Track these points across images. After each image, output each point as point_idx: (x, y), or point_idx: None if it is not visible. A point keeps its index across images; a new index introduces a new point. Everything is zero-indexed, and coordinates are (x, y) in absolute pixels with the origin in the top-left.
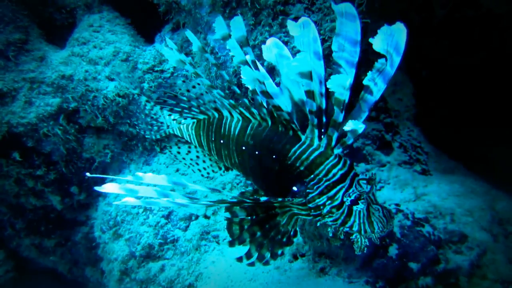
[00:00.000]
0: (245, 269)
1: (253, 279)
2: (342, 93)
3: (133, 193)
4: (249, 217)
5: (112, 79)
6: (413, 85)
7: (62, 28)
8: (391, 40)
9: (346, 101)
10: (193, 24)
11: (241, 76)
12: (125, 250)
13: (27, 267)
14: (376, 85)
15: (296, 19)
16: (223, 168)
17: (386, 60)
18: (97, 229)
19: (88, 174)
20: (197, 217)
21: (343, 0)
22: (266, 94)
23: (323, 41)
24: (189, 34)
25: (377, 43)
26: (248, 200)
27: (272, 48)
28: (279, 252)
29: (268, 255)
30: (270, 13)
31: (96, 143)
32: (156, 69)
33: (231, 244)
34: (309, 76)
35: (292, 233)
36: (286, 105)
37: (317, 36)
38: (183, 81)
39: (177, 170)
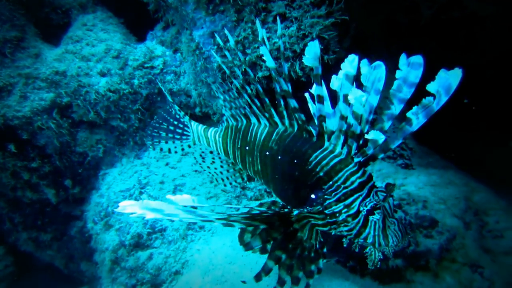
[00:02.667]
0: (225, 254)
1: (232, 262)
2: (359, 108)
3: (156, 211)
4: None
5: (103, 75)
6: None
7: (57, 27)
8: (445, 81)
9: (364, 115)
10: (180, 21)
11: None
12: (116, 239)
13: (26, 263)
14: (417, 118)
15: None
16: (245, 179)
17: (434, 98)
18: (90, 221)
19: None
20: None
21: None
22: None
23: (304, 36)
24: (226, 32)
25: (432, 85)
26: (269, 211)
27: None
28: (313, 268)
29: (301, 274)
30: (252, 10)
31: (89, 137)
32: (146, 65)
33: (258, 278)
34: (351, 79)
35: (318, 245)
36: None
37: (383, 76)
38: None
39: (167, 164)
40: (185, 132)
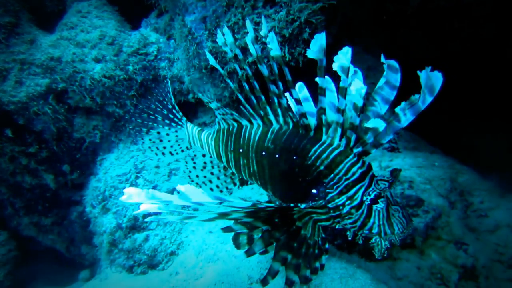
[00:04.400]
0: (218, 234)
1: (225, 241)
2: (359, 100)
3: (163, 204)
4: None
5: (98, 61)
6: None
7: (52, 14)
8: (428, 82)
9: (361, 105)
10: (172, 7)
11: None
12: (113, 222)
13: (29, 248)
14: (405, 115)
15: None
16: (238, 184)
17: (419, 96)
18: (88, 205)
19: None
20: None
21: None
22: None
23: (292, 20)
24: (247, 23)
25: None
26: (270, 205)
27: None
28: (318, 265)
29: (308, 273)
30: None
31: (86, 123)
32: (140, 52)
33: (265, 283)
34: (346, 72)
35: (320, 242)
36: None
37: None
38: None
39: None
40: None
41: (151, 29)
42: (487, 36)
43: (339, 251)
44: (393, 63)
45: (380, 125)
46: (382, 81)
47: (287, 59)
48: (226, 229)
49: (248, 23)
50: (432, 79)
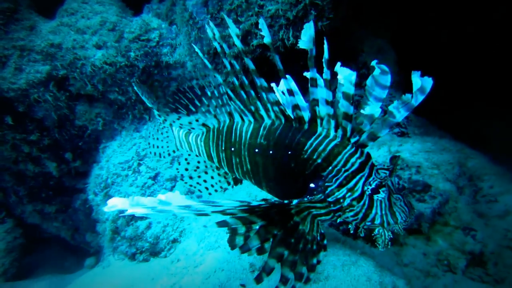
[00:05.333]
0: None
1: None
2: (350, 88)
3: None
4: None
5: (99, 47)
6: (396, 53)
7: (52, 1)
8: (419, 84)
9: (352, 93)
10: None
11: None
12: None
13: (35, 235)
14: (399, 112)
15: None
16: (232, 183)
17: (412, 96)
18: (91, 192)
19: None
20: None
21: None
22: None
23: (297, 2)
24: (227, 19)
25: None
26: (263, 204)
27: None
28: (315, 261)
29: (304, 269)
30: None
31: (88, 111)
32: (142, 38)
33: (258, 280)
34: (327, 63)
35: (319, 237)
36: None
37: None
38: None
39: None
40: None
41: (153, 15)
42: (499, 18)
43: (344, 236)
44: (384, 66)
45: (376, 111)
46: (372, 82)
47: (290, 42)
48: (221, 224)
49: (227, 19)
50: (423, 82)
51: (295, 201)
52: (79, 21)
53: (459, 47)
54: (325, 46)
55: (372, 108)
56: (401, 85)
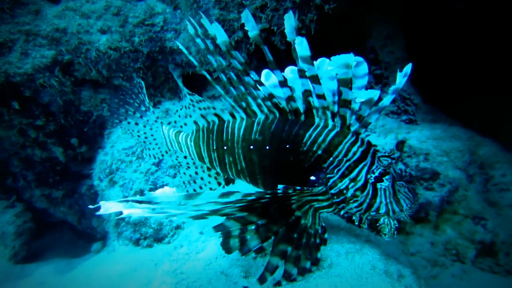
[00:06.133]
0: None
1: None
2: (347, 72)
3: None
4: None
5: (104, 32)
6: (405, 39)
7: None
8: (402, 72)
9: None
10: None
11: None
12: (119, 195)
13: (43, 220)
14: (386, 96)
15: None
16: (223, 183)
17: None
18: (96, 178)
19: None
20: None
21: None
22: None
23: None
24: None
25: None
26: (266, 196)
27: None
28: (319, 256)
29: (308, 264)
30: None
31: (93, 96)
32: (146, 22)
33: (262, 280)
34: (309, 61)
35: (320, 231)
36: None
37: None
38: None
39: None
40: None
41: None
42: None
43: (349, 223)
44: (358, 58)
45: (374, 93)
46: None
47: (297, 26)
48: (218, 227)
49: (203, 16)
50: (404, 69)
51: (297, 188)
52: (84, 6)
53: (472, 32)
54: (306, 45)
55: (368, 93)
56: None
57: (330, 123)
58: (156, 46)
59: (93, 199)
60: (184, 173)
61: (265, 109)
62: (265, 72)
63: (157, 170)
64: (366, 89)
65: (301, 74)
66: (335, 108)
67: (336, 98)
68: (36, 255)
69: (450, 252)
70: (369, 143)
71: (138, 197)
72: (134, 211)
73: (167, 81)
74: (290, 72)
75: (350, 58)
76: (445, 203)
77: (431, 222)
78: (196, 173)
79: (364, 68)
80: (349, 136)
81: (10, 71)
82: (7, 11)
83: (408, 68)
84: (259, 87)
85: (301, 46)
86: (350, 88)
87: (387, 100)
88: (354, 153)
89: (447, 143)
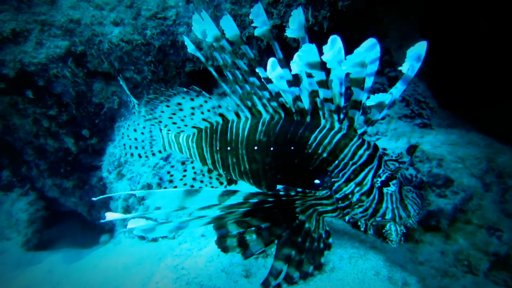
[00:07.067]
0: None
1: None
2: (361, 71)
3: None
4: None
5: (117, 24)
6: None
7: None
8: (413, 52)
9: (336, 89)
10: None
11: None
12: (127, 188)
13: (54, 209)
14: (396, 88)
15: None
16: (225, 183)
17: (407, 68)
18: (105, 170)
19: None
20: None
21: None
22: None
23: None
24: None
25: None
26: (269, 199)
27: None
28: (323, 261)
29: (311, 268)
30: None
31: (105, 88)
32: (159, 16)
33: (266, 285)
34: (318, 67)
35: (324, 235)
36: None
37: (341, 47)
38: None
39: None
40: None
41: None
42: None
43: (354, 228)
44: (373, 40)
45: (386, 97)
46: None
47: (310, 23)
48: (218, 228)
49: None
50: (417, 49)
51: (299, 191)
52: None
53: (497, 34)
54: (315, 51)
55: (379, 96)
56: (427, 74)
57: (337, 125)
58: (168, 40)
59: (103, 191)
60: (184, 175)
61: (270, 109)
62: (271, 61)
63: (165, 164)
64: (379, 92)
65: (309, 74)
66: (342, 102)
67: (343, 89)
68: (47, 243)
69: (462, 263)
70: (375, 146)
71: (140, 213)
72: (139, 223)
73: (178, 76)
74: (296, 57)
75: (366, 56)
76: (458, 211)
77: (442, 230)
78: (195, 173)
79: (376, 51)
80: (355, 139)
81: (25, 60)
82: (25, 1)
83: (421, 47)
84: (267, 85)
85: (310, 53)
86: (362, 88)
87: (396, 92)
88: (361, 156)
89: (463, 149)
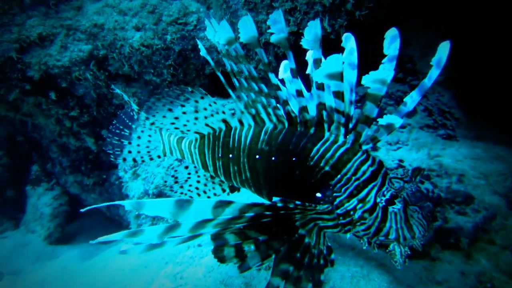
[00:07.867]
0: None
1: None
2: (380, 89)
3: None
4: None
5: (138, 29)
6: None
7: None
8: (435, 58)
9: (347, 96)
10: None
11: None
12: (141, 188)
13: (76, 204)
14: (411, 97)
15: None
16: (227, 190)
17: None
18: (121, 170)
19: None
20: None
21: None
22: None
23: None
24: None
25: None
26: (266, 213)
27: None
28: (322, 278)
29: (309, 286)
30: None
31: (125, 90)
32: (179, 21)
33: None
34: (339, 77)
35: (326, 251)
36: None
37: (354, 48)
38: None
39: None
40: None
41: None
42: None
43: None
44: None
45: (397, 121)
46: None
47: (327, 31)
48: (216, 239)
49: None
50: (438, 53)
51: (298, 204)
52: (122, 3)
53: None
54: (340, 62)
55: (391, 118)
56: (454, 83)
57: (341, 138)
58: (188, 44)
59: (121, 188)
60: (182, 186)
61: (274, 118)
62: (284, 63)
63: (179, 165)
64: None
65: (319, 85)
66: (352, 110)
67: (354, 96)
68: (69, 237)
69: (485, 285)
70: (380, 163)
71: (132, 230)
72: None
73: (198, 78)
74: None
75: (389, 75)
76: (480, 230)
77: (462, 249)
78: (198, 181)
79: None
80: (359, 154)
81: (50, 63)
82: (52, 7)
83: (443, 50)
84: (276, 91)
85: (336, 63)
86: (378, 106)
87: (411, 103)
88: (364, 172)
89: (487, 165)
